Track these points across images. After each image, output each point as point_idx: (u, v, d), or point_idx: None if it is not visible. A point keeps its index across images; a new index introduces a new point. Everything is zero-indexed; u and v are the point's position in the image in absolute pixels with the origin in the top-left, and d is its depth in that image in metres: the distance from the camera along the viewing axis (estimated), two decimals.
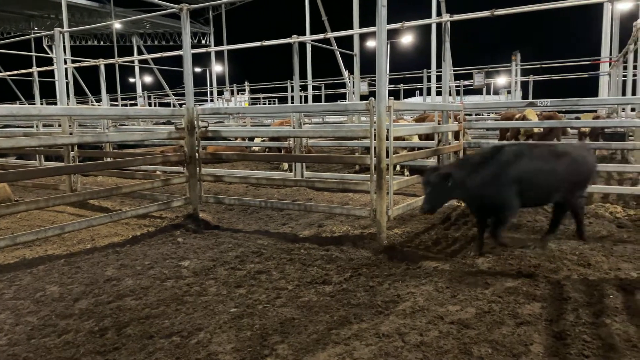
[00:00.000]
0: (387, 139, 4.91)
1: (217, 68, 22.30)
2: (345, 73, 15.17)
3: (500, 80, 23.56)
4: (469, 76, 19.72)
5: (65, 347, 2.91)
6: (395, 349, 2.79)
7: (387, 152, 4.93)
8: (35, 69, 11.93)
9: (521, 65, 17.53)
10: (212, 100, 19.96)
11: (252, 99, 21.41)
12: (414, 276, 4.03)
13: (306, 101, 13.50)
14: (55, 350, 2.87)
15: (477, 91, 21.41)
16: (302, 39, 9.40)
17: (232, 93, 18.68)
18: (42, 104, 14.00)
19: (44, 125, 10.03)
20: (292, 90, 16.81)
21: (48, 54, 20.89)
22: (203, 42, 24.47)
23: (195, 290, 3.86)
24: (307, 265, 4.40)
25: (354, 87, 14.05)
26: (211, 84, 20.92)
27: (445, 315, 3.25)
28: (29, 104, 16.27)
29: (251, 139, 10.50)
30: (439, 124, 7.10)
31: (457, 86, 17.92)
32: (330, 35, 10.19)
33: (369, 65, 12.27)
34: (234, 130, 7.93)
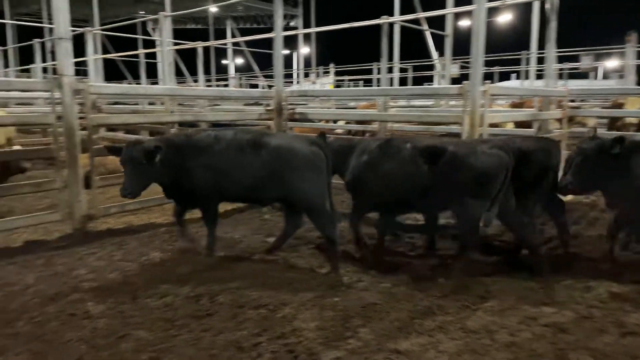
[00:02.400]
0: (481, 126, 4.66)
1: (303, 50, 22.53)
2: (435, 55, 14.57)
3: (611, 63, 21.17)
4: (574, 58, 17.95)
5: (165, 309, 3.18)
6: (482, 347, 2.68)
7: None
8: (141, 51, 12.96)
9: (637, 48, 15.58)
10: (297, 83, 20.28)
11: (337, 81, 21.42)
12: (504, 272, 3.82)
13: (392, 84, 13.18)
14: (156, 311, 3.15)
15: (582, 75, 19.46)
16: (392, 19, 9.16)
17: (317, 75, 18.84)
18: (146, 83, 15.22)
19: (149, 104, 10.91)
20: (378, 73, 16.53)
21: (151, 36, 22.53)
22: (292, 24, 24.83)
23: (281, 267, 4.00)
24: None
25: (443, 70, 13.48)
26: (298, 66, 21.22)
27: (538, 317, 3.05)
28: (135, 84, 17.75)
29: (335, 121, 10.56)
30: (539, 110, 6.57)
31: (559, 69, 16.45)
32: (422, 15, 9.81)
33: (460, 46, 11.66)
34: (320, 113, 8.00)
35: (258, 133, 4.24)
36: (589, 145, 3.80)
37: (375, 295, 3.39)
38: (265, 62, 22.79)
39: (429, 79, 19.81)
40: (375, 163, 3.99)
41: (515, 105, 9.71)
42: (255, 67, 22.24)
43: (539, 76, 14.95)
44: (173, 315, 3.08)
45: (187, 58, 16.09)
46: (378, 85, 16.85)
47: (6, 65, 14.68)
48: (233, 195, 4.19)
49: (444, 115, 6.18)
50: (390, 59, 12.90)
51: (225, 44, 16.36)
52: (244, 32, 26.07)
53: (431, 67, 16.99)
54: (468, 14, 17.28)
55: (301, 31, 11.32)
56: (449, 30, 10.52)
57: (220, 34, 23.62)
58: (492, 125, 5.35)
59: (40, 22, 17.45)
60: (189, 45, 11.34)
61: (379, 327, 2.91)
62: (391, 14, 8.85)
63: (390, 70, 13.93)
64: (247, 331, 2.87)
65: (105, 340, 2.73)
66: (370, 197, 4.11)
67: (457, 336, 2.80)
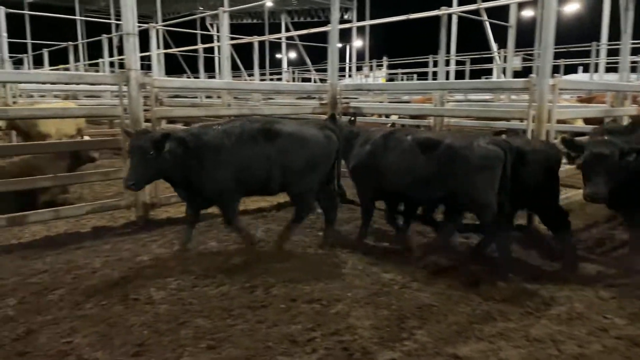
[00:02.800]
0: (548, 122, 4.40)
1: (356, 43, 22.29)
2: (494, 47, 13.95)
3: None
4: None
5: (222, 298, 3.26)
6: (548, 357, 2.54)
7: (547, 136, 4.42)
8: (200, 46, 13.37)
9: None
10: (350, 76, 20.13)
11: (390, 74, 21.06)
12: (569, 279, 3.59)
13: (448, 77, 12.77)
14: (214, 300, 3.23)
15: None
16: (451, 10, 8.85)
17: (370, 69, 18.62)
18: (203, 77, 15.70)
19: (206, 97, 11.25)
20: (434, 66, 16.07)
21: (209, 31, 23.17)
22: (345, 17, 24.67)
23: (333, 261, 3.99)
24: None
25: (503, 62, 12.89)
26: (350, 60, 21.06)
27: (609, 328, 2.84)
28: (193, 77, 18.35)
29: (387, 116, 10.40)
30: (611, 107, 6.12)
31: (632, 62, 15.26)
32: (484, 5, 9.39)
33: (521, 38, 11.05)
34: (375, 107, 7.89)
35: (267, 121, 4.18)
36: (610, 149, 3.38)
37: (431, 297, 3.30)
38: (316, 56, 22.82)
39: (487, 72, 19.04)
40: (378, 153, 4.10)
41: (582, 101, 9.12)
42: (307, 60, 22.30)
43: (609, 69, 13.96)
44: (230, 304, 3.15)
45: (241, 52, 16.39)
46: (434, 79, 16.43)
47: (76, 60, 15.64)
48: (250, 188, 4.12)
49: (507, 111, 5.89)
50: (447, 51, 12.50)
51: (279, 38, 16.50)
52: (297, 26, 26.19)
53: (489, 60, 16.31)
54: (530, 4, 16.45)
55: (356, 24, 11.18)
56: (512, 20, 10.01)
57: (274, 28, 23.89)
58: (560, 121, 5.05)
59: (108, 19, 18.42)
60: (246, 39, 11.55)
61: (436, 329, 2.83)
62: (444, 5, 8.53)
63: (446, 63, 13.50)
64: (301, 325, 2.88)
65: (167, 326, 2.83)
66: (371, 185, 4.24)
67: (520, 344, 2.66)
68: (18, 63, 17.07)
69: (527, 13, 18.03)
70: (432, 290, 3.41)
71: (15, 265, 3.77)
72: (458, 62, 16.32)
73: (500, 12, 11.90)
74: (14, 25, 13.27)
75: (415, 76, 20.79)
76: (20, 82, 7.81)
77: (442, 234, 4.32)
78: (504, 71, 12.68)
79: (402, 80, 20.22)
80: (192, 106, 9.16)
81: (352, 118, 5.66)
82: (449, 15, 9.41)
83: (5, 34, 10.16)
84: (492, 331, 2.81)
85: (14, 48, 14.79)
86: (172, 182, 4.04)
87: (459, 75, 18.16)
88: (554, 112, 4.43)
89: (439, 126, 8.13)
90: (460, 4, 13.85)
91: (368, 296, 3.30)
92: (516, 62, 11.70)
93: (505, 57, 12.10)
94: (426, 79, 17.51)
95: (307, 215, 4.42)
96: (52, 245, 4.23)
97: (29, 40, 16.58)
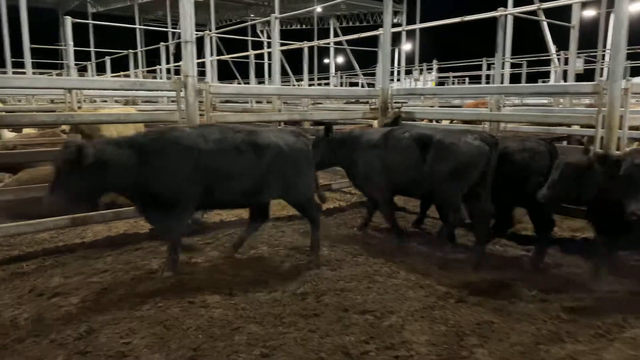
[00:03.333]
0: (620, 128, 4.09)
1: (405, 47, 21.99)
2: (553, 48, 13.29)
3: None
4: None
5: (274, 304, 3.24)
6: None
7: (618, 143, 4.11)
8: (251, 52, 13.66)
9: None
10: (398, 80, 19.86)
11: (440, 78, 20.59)
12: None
13: (503, 81, 12.29)
14: (266, 306, 3.22)
15: None
16: (509, 11, 8.50)
17: (420, 72, 18.27)
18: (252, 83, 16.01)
19: (256, 102, 11.44)
20: (487, 69, 15.55)
21: (259, 38, 23.64)
22: (395, 20, 24.41)
23: (385, 271, 3.89)
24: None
25: (563, 65, 12.25)
26: (399, 64, 20.78)
27: None
28: (244, 83, 18.75)
29: (438, 121, 10.11)
30: None
31: None
32: (545, 5, 8.96)
33: (580, 39, 10.46)
34: (427, 112, 7.69)
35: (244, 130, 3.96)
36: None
37: (491, 313, 3.13)
38: (364, 60, 22.69)
39: (543, 75, 18.20)
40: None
41: None
42: (355, 65, 22.24)
43: None
44: (282, 311, 3.13)
45: (290, 58, 16.58)
46: (486, 82, 15.89)
47: (136, 67, 16.41)
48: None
49: (572, 116, 5.55)
50: (502, 53, 12.02)
51: (328, 43, 16.57)
52: (345, 31, 26.21)
53: (546, 62, 15.57)
54: (592, 3, 15.54)
55: (407, 27, 11.02)
56: (574, 21, 9.47)
57: (321, 33, 24.03)
58: (632, 127, 4.69)
59: (165, 27, 19.21)
60: (296, 45, 11.67)
61: (498, 349, 2.67)
62: (491, 6, 8.20)
63: (501, 66, 13.00)
64: (354, 337, 2.81)
65: (221, 331, 2.85)
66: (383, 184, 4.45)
67: None
68: (82, 70, 18.12)
69: (588, 13, 17.09)
70: (491, 306, 3.23)
71: (78, 264, 3.94)
72: (512, 65, 15.71)
73: (557, 12, 11.33)
74: (79, 35, 14.13)
75: (467, 80, 20.20)
76: (88, 89, 8.25)
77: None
78: (563, 74, 12.04)
79: (453, 84, 19.70)
80: (244, 111, 9.33)
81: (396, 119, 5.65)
82: (505, 17, 9.05)
83: (71, 43, 10.81)
84: (561, 353, 2.62)
85: (79, 56, 15.72)
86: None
87: (514, 78, 17.48)
88: (627, 118, 4.11)
89: (495, 132, 7.81)
90: (515, 4, 13.34)
91: (423, 309, 3.17)
92: (578, 64, 11.07)
93: (566, 59, 11.47)
94: (479, 83, 16.96)
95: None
96: (112, 246, 4.40)
97: (92, 49, 17.59)
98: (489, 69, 15.80)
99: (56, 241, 4.54)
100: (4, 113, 7.11)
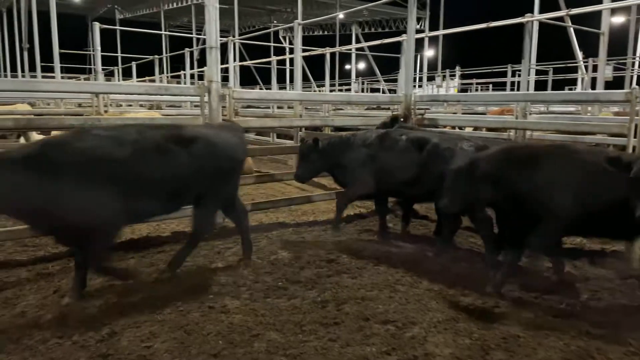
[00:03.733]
0: None
1: (428, 53, 21.81)
2: (580, 55, 12.99)
3: None
4: None
5: (293, 312, 3.21)
6: None
7: None
8: (273, 58, 13.77)
9: None
10: (420, 87, 19.73)
11: (463, 84, 20.36)
12: None
13: (528, 88, 12.06)
14: (285, 313, 3.19)
15: None
16: (536, 17, 8.34)
17: (443, 79, 18.09)
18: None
19: (277, 107, 11.51)
20: (512, 75, 15.29)
21: (282, 44, 23.81)
22: (418, 26, 24.31)
23: (407, 280, 3.82)
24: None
25: (591, 72, 11.95)
26: (421, 70, 20.63)
27: None
28: (266, 88, 18.89)
29: (461, 128, 9.98)
30: None
31: None
32: (574, 11, 8.77)
33: (610, 45, 10.21)
34: (451, 119, 7.58)
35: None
36: None
37: (517, 326, 3.03)
38: (385, 66, 22.59)
39: (570, 82, 17.81)
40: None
41: None
42: (377, 71, 22.18)
43: None
44: (302, 319, 3.09)
45: (311, 63, 16.64)
46: (511, 89, 15.62)
47: (161, 72, 16.73)
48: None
49: (602, 125, 5.40)
50: (528, 60, 11.79)
51: (350, 50, 16.58)
52: (366, 37, 26.20)
53: (572, 69, 15.22)
54: (621, 10, 15.15)
55: (429, 34, 10.95)
56: (604, 27, 9.25)
57: (343, 39, 24.05)
58: None
59: (190, 33, 19.54)
60: (318, 51, 11.72)
61: None
62: (518, 12, 8.06)
63: (527, 72, 12.76)
64: (376, 348, 2.75)
65: (241, 337, 2.83)
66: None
67: None
68: (109, 75, 18.55)
69: (616, 19, 16.68)
70: (517, 319, 3.13)
71: None
72: (538, 72, 15.44)
73: (585, 19, 11.07)
74: (107, 40, 14.48)
75: (490, 86, 19.93)
76: (114, 93, 8.43)
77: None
78: (591, 82, 11.75)
79: (476, 90, 19.45)
80: (266, 116, 9.38)
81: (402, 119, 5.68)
82: (532, 23, 8.88)
83: (99, 48, 11.06)
84: None
85: (107, 61, 16.10)
86: None
87: (539, 85, 17.17)
88: None
89: (520, 140, 7.65)
90: (542, 10, 13.08)
91: (446, 321, 3.09)
92: (607, 72, 10.79)
93: (594, 66, 11.20)
94: (504, 90, 16.69)
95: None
96: (135, 248, 4.44)
97: (119, 54, 17.99)
98: (514, 75, 15.55)
99: None
100: (32, 116, 7.30)
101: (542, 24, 11.61)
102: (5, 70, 23.05)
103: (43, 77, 14.30)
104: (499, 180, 3.40)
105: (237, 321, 3.02)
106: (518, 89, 11.14)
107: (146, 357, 2.61)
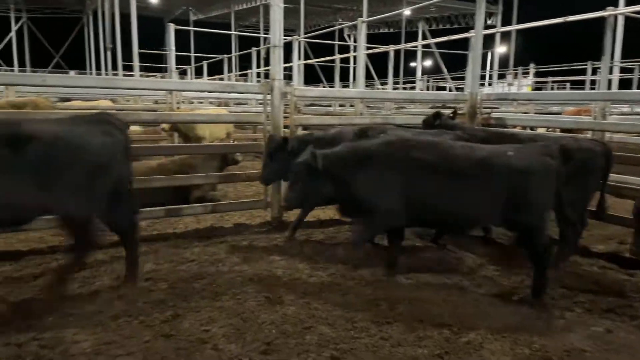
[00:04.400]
0: None
1: (499, 49, 20.84)
2: None
3: None
4: None
5: (346, 308, 3.22)
6: None
7: None
8: (337, 56, 13.85)
9: None
10: (490, 85, 18.90)
11: (537, 82, 19.25)
12: None
13: (611, 87, 11.16)
14: (338, 308, 3.21)
15: None
16: (619, 11, 7.71)
17: (515, 76, 17.23)
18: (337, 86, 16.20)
19: (339, 105, 11.56)
20: (592, 73, 14.25)
21: (346, 42, 23.85)
22: (489, 22, 23.30)
23: (465, 284, 3.71)
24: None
25: None
26: (491, 67, 19.76)
27: None
28: (329, 86, 19.03)
29: (532, 128, 9.44)
30: None
31: None
32: None
33: None
34: (519, 118, 7.20)
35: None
36: None
37: (583, 340, 2.84)
38: (453, 64, 21.90)
39: None
40: None
41: None
42: (443, 68, 21.57)
43: None
44: (354, 316, 3.10)
45: (375, 61, 16.51)
46: (591, 88, 14.56)
47: (229, 71, 17.39)
48: None
49: None
50: (611, 57, 10.94)
51: (415, 46, 16.27)
52: (434, 34, 25.53)
53: None
54: None
55: (501, 29, 10.43)
56: None
57: (409, 36, 23.62)
58: None
59: (258, 33, 20.14)
60: (382, 49, 11.61)
61: None
62: (598, 5, 7.45)
63: (609, 70, 11.85)
64: (428, 350, 2.71)
65: (293, 329, 2.90)
66: None
67: None
68: (183, 74, 19.59)
69: None
70: (584, 332, 2.94)
71: (169, 253, 4.24)
72: (622, 70, 14.25)
73: None
74: (182, 41, 15.32)
75: (567, 85, 18.68)
76: (185, 90, 8.92)
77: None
78: None
79: (552, 89, 18.32)
80: (326, 114, 9.46)
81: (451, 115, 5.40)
82: (615, 17, 8.23)
83: (173, 48, 11.73)
84: None
85: (181, 60, 17.03)
86: None
87: (623, 84, 15.84)
88: None
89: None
90: (627, 3, 12.04)
91: (504, 328, 2.97)
92: None
93: None
94: (582, 89, 15.59)
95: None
96: (200, 237, 4.68)
97: (192, 54, 18.93)
98: (594, 73, 14.48)
99: (151, 230, 4.93)
100: (113, 111, 7.89)
101: (629, 18, 10.70)
102: (90, 69, 25.13)
103: (123, 75, 15.40)
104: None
105: (290, 313, 3.10)
106: (599, 88, 10.38)
107: (204, 340, 2.75)
